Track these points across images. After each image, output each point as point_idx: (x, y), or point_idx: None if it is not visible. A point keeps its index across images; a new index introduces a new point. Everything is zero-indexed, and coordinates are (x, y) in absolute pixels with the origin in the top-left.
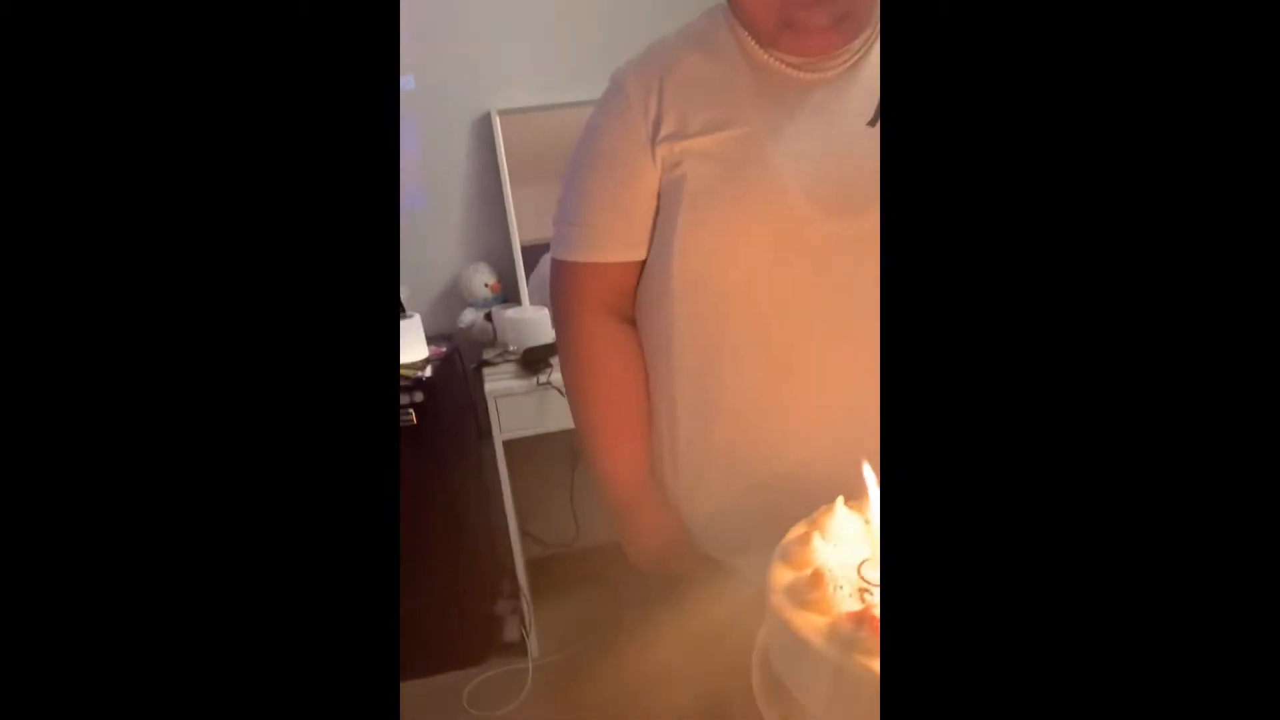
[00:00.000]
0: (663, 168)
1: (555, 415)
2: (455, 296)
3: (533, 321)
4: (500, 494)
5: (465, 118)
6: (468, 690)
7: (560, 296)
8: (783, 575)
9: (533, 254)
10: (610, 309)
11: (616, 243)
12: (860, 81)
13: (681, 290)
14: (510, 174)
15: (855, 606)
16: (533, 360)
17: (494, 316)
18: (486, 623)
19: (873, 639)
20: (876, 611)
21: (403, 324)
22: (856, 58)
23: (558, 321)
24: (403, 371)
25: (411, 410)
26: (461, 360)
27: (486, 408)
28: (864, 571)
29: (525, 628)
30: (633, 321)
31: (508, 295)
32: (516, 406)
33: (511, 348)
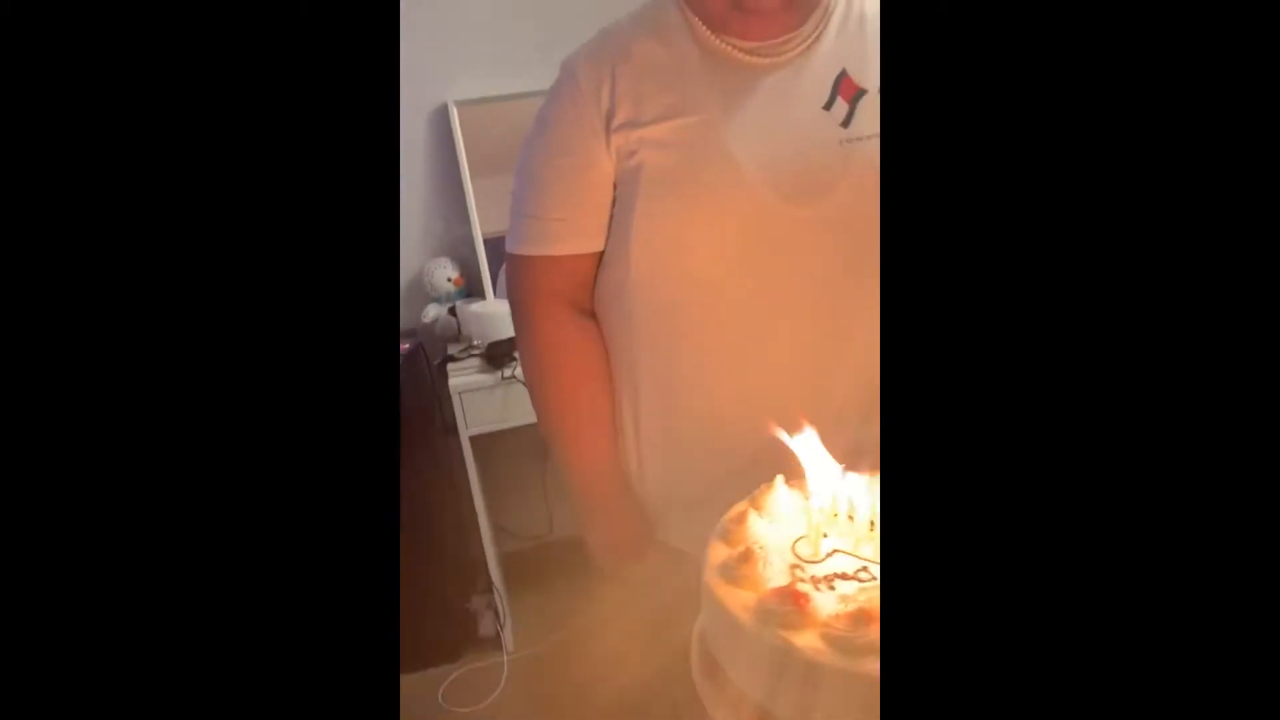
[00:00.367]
0: (618, 157)
1: (523, 409)
2: (418, 292)
3: (497, 315)
4: (469, 490)
5: (422, 110)
6: (444, 686)
7: (517, 291)
8: (718, 553)
9: (496, 246)
10: (569, 302)
11: (573, 234)
12: (814, 66)
13: (640, 280)
14: (470, 166)
15: (783, 582)
16: (498, 354)
17: (458, 311)
18: (461, 618)
19: (798, 614)
20: (803, 587)
21: None
22: (809, 42)
23: (516, 316)
24: None
25: None
26: (426, 356)
27: (452, 403)
28: (798, 548)
29: (500, 622)
30: (592, 314)
31: (471, 289)
32: (483, 401)
33: (476, 342)
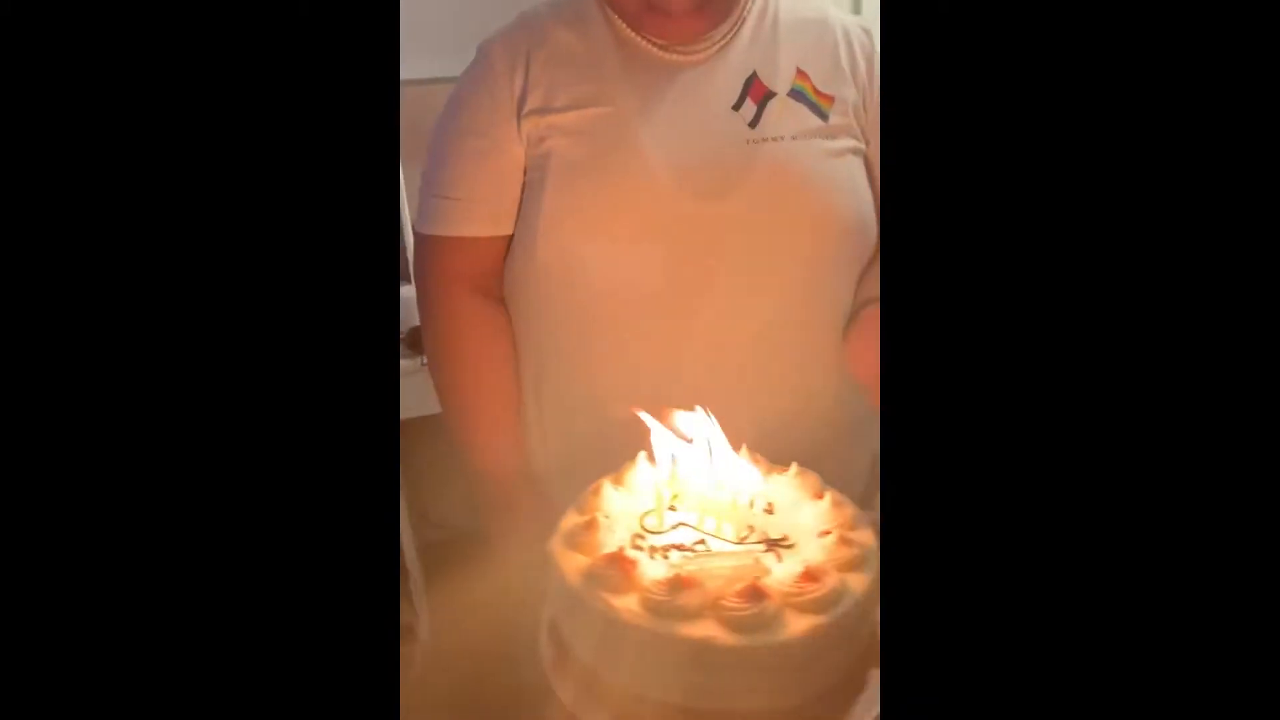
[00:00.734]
0: (528, 142)
1: None
2: None
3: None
4: None
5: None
6: None
7: (424, 272)
8: (568, 521)
9: None
10: (474, 284)
11: (480, 216)
12: (727, 65)
13: (546, 268)
14: (405, 149)
15: (614, 549)
16: (418, 340)
17: None
18: None
19: (623, 579)
20: (633, 554)
21: None
22: (724, 42)
23: (421, 298)
24: None
25: None
26: None
27: None
28: (645, 521)
29: (415, 612)
30: (501, 299)
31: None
32: (403, 388)
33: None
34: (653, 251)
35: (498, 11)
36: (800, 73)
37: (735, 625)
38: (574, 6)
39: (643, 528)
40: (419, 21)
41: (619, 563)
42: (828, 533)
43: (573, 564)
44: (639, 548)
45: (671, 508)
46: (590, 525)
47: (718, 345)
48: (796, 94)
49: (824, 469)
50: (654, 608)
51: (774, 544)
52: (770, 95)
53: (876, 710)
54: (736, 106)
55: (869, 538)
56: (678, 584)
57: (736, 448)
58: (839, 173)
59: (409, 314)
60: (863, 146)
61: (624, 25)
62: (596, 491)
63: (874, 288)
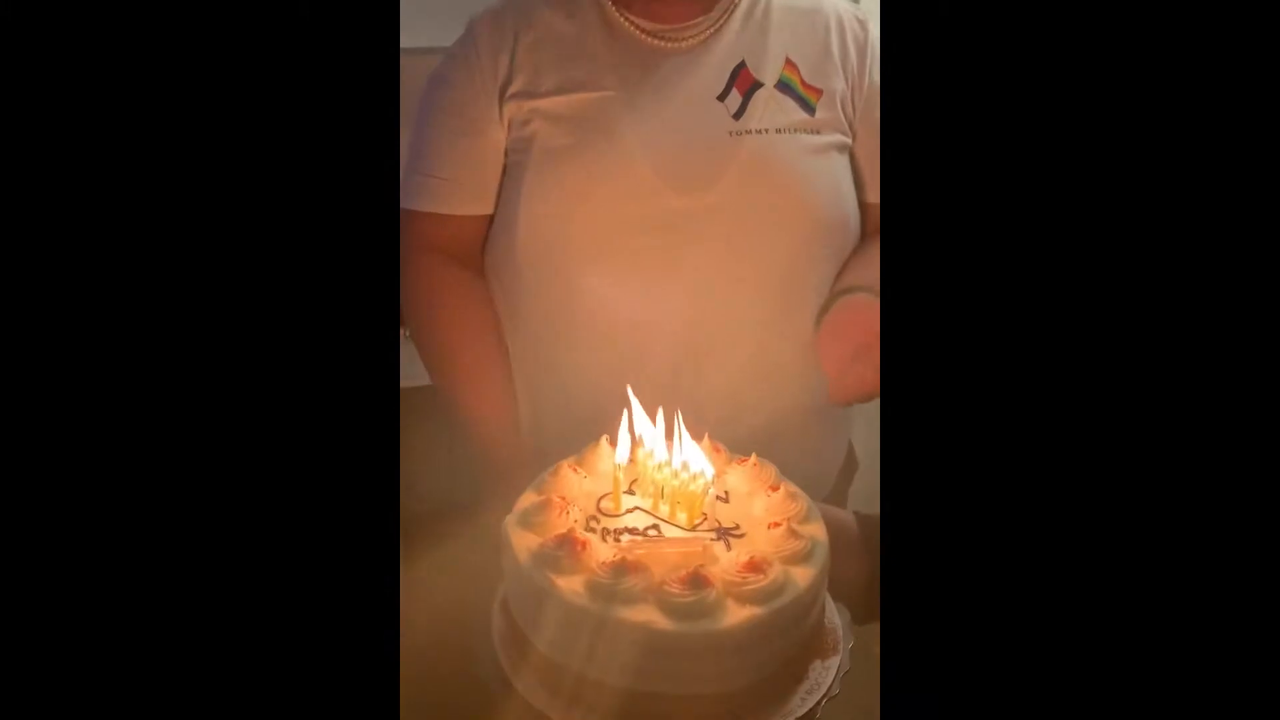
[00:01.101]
0: (511, 125)
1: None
2: None
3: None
4: None
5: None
6: None
7: (405, 248)
8: (525, 501)
9: None
10: (454, 260)
11: (460, 196)
12: (714, 55)
13: (526, 251)
14: (405, 117)
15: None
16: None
17: None
18: None
19: (570, 559)
20: (585, 535)
21: None
22: (712, 30)
23: (403, 271)
24: None
25: None
26: None
27: None
28: (601, 504)
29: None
30: (481, 274)
31: None
32: None
33: None
34: (631, 241)
35: None
36: (789, 63)
37: (675, 611)
38: None
39: (598, 510)
40: None
41: (569, 543)
42: (778, 524)
43: (524, 543)
44: (593, 530)
45: (630, 491)
46: (545, 505)
47: (691, 332)
48: (784, 86)
49: (795, 458)
50: (598, 590)
51: (725, 532)
52: (757, 86)
53: (817, 699)
54: (722, 97)
55: (819, 531)
56: (623, 567)
57: (699, 436)
58: (820, 169)
59: None
60: (848, 141)
61: (613, 8)
62: (556, 472)
63: (850, 277)
